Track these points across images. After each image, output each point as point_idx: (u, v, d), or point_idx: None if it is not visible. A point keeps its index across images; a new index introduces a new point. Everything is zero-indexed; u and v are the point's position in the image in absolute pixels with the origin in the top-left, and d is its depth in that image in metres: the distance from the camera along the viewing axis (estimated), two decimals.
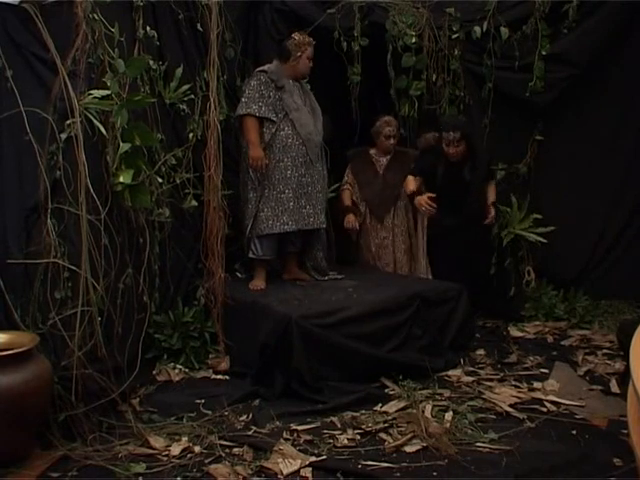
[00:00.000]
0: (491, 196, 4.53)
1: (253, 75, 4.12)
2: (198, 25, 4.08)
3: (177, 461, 2.78)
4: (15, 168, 3.10)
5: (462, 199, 4.40)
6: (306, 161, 4.08)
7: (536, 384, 3.55)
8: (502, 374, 3.70)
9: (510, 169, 4.67)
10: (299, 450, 2.85)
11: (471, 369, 3.77)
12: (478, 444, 2.89)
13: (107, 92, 3.19)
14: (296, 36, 4.11)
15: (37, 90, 3.12)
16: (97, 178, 3.20)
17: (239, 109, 4.04)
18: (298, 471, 2.69)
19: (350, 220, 4.65)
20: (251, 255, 4.16)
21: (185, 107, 4.00)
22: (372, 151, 4.83)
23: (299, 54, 4.07)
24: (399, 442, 2.91)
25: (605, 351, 4.02)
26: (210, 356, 3.89)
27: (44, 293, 3.02)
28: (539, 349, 4.08)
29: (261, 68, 4.11)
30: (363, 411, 3.24)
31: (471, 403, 3.31)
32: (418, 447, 2.87)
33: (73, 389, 2.93)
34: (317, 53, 4.16)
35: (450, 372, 3.70)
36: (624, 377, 3.19)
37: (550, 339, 4.30)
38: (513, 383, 3.58)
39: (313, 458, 2.77)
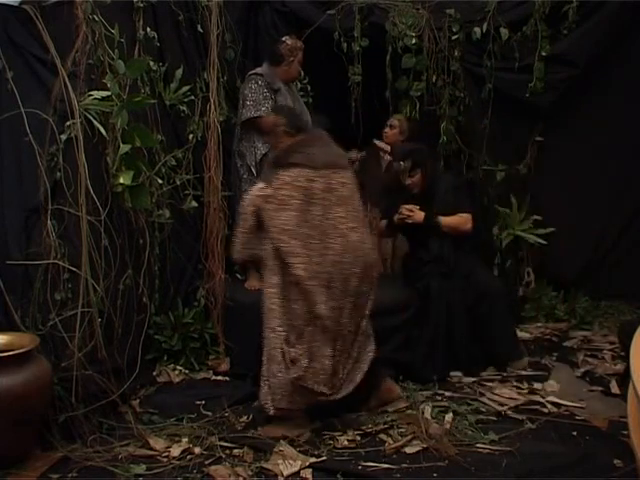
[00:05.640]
0: (446, 220, 3.81)
1: (250, 79, 4.07)
2: (198, 26, 4.09)
3: (177, 462, 2.79)
4: (15, 169, 3.10)
5: (426, 236, 3.87)
6: None
7: (536, 385, 3.55)
8: (502, 375, 3.70)
9: (510, 170, 4.66)
10: (299, 451, 2.85)
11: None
12: (478, 445, 2.89)
13: (107, 93, 3.19)
14: (289, 41, 4.10)
15: (37, 91, 3.12)
16: (97, 179, 3.21)
17: (247, 112, 3.98)
18: (298, 472, 2.69)
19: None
20: None
21: (185, 108, 3.99)
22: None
23: (292, 59, 4.08)
24: (399, 443, 2.91)
25: (605, 352, 4.02)
26: (210, 357, 3.89)
27: (44, 294, 3.02)
28: (539, 350, 4.08)
29: (255, 71, 4.09)
30: (363, 412, 3.23)
31: (471, 404, 3.31)
32: (418, 448, 2.87)
33: (73, 390, 2.93)
34: (317, 54, 4.16)
35: (451, 373, 3.69)
36: (624, 378, 3.19)
37: (550, 340, 4.29)
38: (514, 384, 3.57)
39: (313, 459, 2.78)
